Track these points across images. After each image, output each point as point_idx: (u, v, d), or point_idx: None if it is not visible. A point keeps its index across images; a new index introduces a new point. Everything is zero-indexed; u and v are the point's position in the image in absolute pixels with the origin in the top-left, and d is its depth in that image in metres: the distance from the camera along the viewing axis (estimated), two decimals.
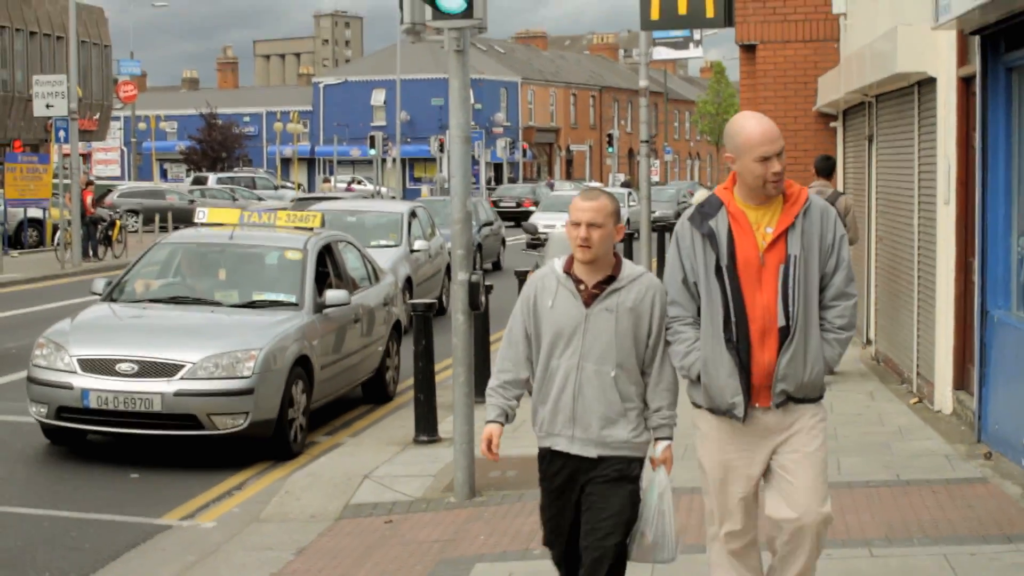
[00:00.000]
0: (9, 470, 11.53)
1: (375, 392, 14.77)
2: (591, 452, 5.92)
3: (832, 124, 19.46)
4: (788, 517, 5.78)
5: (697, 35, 26.47)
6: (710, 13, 17.19)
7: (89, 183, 35.51)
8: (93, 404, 11.41)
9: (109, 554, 9.13)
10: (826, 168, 14.60)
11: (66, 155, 35.72)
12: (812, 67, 19.58)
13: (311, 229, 14.14)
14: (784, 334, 5.69)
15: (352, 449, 12.05)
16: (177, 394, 11.32)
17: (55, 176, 35.61)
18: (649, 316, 5.92)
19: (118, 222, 34.39)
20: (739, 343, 5.72)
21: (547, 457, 6.07)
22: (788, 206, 5.77)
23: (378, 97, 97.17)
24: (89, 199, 33.08)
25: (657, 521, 5.94)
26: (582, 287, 5.95)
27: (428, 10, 9.50)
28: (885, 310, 15.28)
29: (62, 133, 32.90)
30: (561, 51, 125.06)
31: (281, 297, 13.01)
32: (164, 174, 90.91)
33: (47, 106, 31.96)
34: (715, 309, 5.76)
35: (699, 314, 5.86)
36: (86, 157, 59.19)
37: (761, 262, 5.72)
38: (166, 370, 11.44)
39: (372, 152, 66.44)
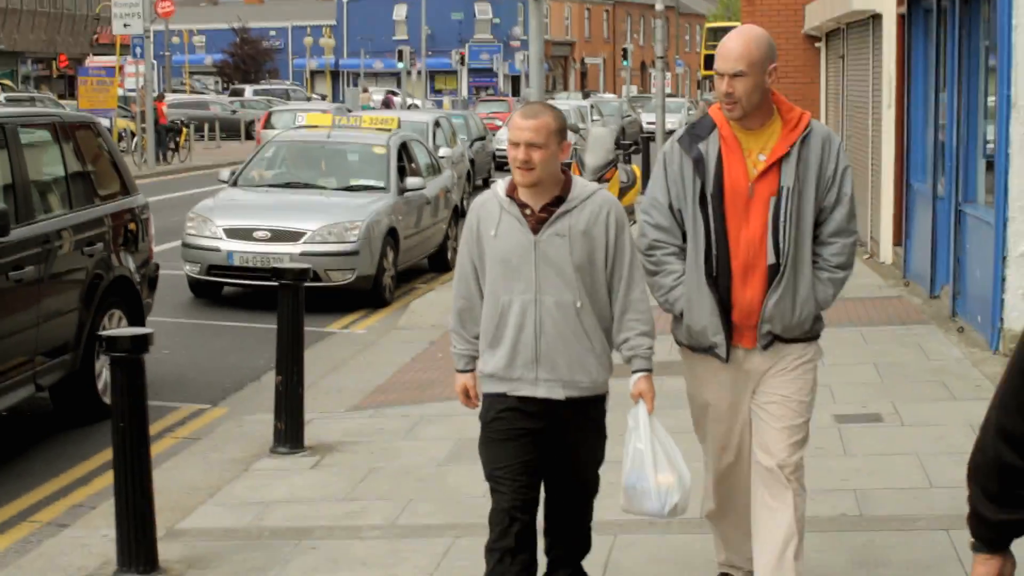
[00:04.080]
0: (202, 303, 15.46)
1: (439, 263, 18.39)
2: (559, 394, 5.19)
3: (817, 45, 22.98)
4: (761, 462, 5.41)
5: None
6: None
7: (161, 96, 38.94)
8: (236, 263, 14.98)
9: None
10: None
11: (128, 69, 39.18)
12: None
13: (390, 130, 17.72)
14: (773, 272, 5.22)
15: (450, 288, 16.09)
16: (302, 254, 14.89)
17: (130, 90, 39.01)
18: (605, 237, 5.20)
19: (184, 130, 37.94)
20: (719, 279, 5.26)
21: (501, 404, 5.26)
22: (786, 132, 5.25)
23: (400, 12, 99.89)
24: (164, 109, 36.55)
25: (633, 463, 5.25)
26: (528, 212, 5.20)
27: None
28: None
29: (139, 50, 36.19)
30: None
31: (372, 183, 16.58)
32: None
33: (124, 25, 35.17)
34: (698, 241, 5.28)
35: (685, 243, 5.39)
36: (119, 69, 62.91)
37: (750, 193, 5.22)
38: (291, 236, 15.00)
39: (400, 65, 69.80)
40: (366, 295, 15.34)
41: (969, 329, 11.44)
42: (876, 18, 16.27)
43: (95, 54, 64.13)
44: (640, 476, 5.21)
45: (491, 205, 5.27)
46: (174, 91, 70.17)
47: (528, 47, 58.57)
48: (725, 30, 53.67)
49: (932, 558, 6.41)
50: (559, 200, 5.19)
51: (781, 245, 5.21)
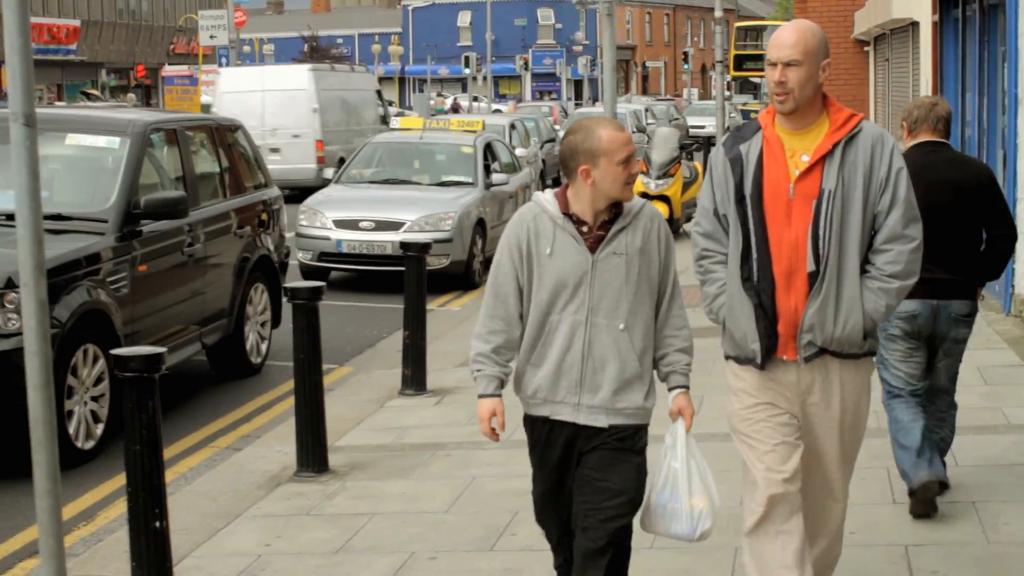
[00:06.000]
0: None
1: None
2: (601, 421, 5.03)
3: (865, 48, 24.74)
4: (807, 495, 5.21)
5: None
6: None
7: None
8: (345, 250, 16.96)
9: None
10: None
11: (205, 77, 41.37)
12: (851, 3, 24.81)
13: (476, 132, 19.67)
14: (813, 279, 4.96)
15: None
16: (402, 242, 16.80)
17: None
18: (658, 253, 5.07)
19: None
20: (760, 284, 5.02)
21: (543, 427, 5.14)
22: (831, 132, 5.00)
23: (464, 18, 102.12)
24: None
25: (667, 481, 5.07)
26: (585, 229, 5.01)
27: None
28: None
29: (224, 60, 38.45)
30: None
31: (462, 178, 18.51)
32: None
33: (211, 36, 37.39)
34: (737, 244, 5.08)
35: None
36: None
37: (791, 194, 4.98)
38: (393, 226, 16.92)
39: (466, 71, 71.93)
40: (458, 278, 17.23)
41: (987, 295, 13.18)
42: (914, 25, 18.05)
43: (170, 64, 66.47)
44: (673, 496, 5.05)
45: (543, 222, 5.04)
46: None
47: (589, 51, 59.86)
48: (756, 29, 55.03)
49: None
50: (616, 216, 5.02)
51: (821, 251, 4.95)
